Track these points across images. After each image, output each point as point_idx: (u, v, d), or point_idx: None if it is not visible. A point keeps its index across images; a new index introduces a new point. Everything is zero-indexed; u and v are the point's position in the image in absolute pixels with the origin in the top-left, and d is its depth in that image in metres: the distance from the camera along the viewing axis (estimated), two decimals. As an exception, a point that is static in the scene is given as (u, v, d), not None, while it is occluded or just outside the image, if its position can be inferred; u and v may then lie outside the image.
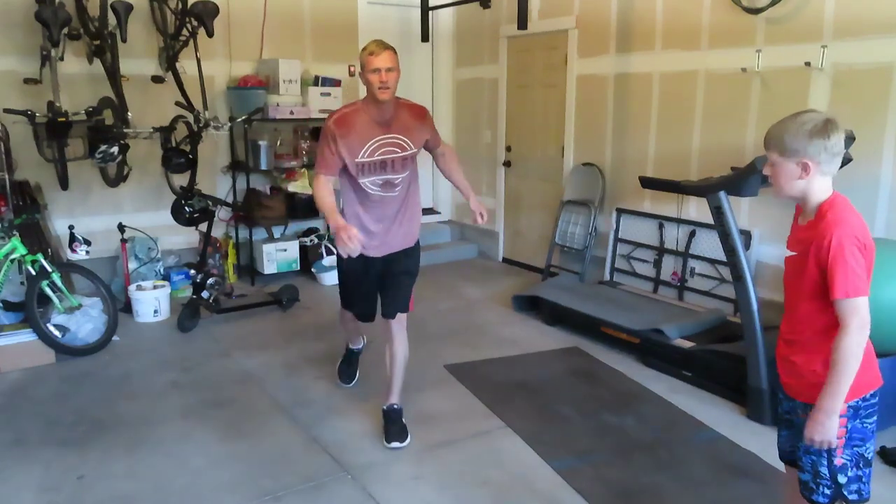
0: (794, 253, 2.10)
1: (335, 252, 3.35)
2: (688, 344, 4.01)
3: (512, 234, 6.57)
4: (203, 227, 5.08)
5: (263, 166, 5.68)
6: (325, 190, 3.06)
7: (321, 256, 5.90)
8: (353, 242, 2.79)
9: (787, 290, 2.12)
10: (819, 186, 1.97)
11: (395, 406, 3.29)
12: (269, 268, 5.74)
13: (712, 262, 4.68)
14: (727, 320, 4.33)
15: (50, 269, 4.17)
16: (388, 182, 3.14)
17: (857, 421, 1.96)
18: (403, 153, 3.13)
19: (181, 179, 5.18)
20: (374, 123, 3.04)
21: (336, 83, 5.99)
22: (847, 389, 1.87)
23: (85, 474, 2.96)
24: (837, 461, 1.97)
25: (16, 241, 4.14)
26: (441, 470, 3.02)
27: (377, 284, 3.32)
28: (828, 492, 2.00)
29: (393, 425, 3.24)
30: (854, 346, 1.89)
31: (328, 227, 3.40)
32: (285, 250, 5.80)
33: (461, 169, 3.50)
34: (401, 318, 3.28)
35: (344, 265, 3.25)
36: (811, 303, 1.99)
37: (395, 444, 3.18)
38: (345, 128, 3.01)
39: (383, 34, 6.49)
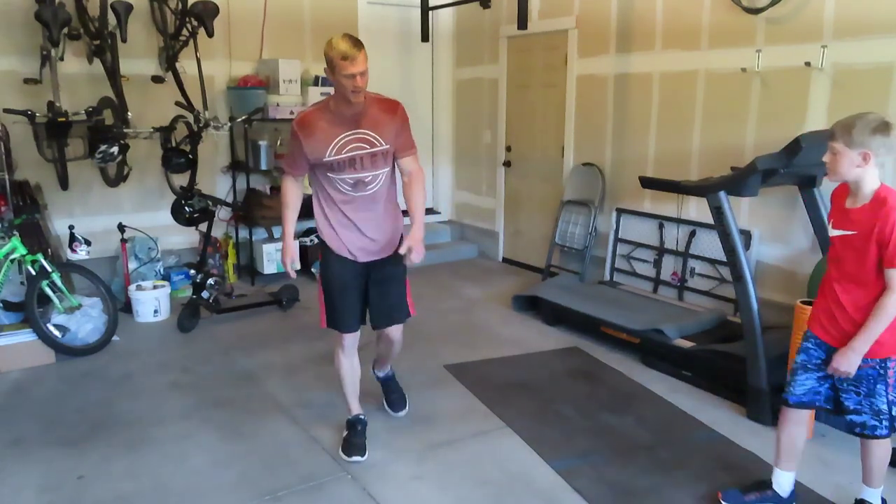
0: (845, 231, 2.47)
1: (319, 262, 3.22)
2: (688, 344, 4.01)
3: (512, 234, 6.57)
4: (203, 227, 5.08)
5: (263, 166, 5.68)
6: (289, 192, 3.08)
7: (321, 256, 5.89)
8: (289, 270, 3.07)
9: (842, 261, 2.49)
10: (871, 175, 2.39)
11: (392, 373, 3.53)
12: (269, 268, 5.74)
13: (712, 262, 4.68)
14: (727, 320, 4.33)
15: (50, 269, 4.17)
16: (359, 181, 2.96)
17: None
18: (373, 149, 2.94)
19: (181, 179, 5.18)
20: (341, 120, 2.91)
21: (336, 83, 5.98)
22: (876, 337, 2.38)
23: (85, 474, 2.96)
24: (892, 396, 2.47)
25: (16, 241, 4.14)
26: (441, 470, 3.02)
27: (361, 294, 3.12)
28: (886, 423, 2.48)
29: (393, 393, 3.50)
30: (892, 305, 2.34)
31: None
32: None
33: (420, 197, 3.12)
34: (398, 328, 3.19)
35: (328, 273, 3.10)
36: (870, 272, 2.40)
37: (401, 413, 3.44)
38: (308, 128, 2.92)
39: (383, 34, 6.58)
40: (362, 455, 3.08)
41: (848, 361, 2.42)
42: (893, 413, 2.49)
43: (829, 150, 2.43)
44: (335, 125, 2.91)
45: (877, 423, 2.49)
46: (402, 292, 3.18)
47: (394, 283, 3.14)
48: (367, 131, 2.93)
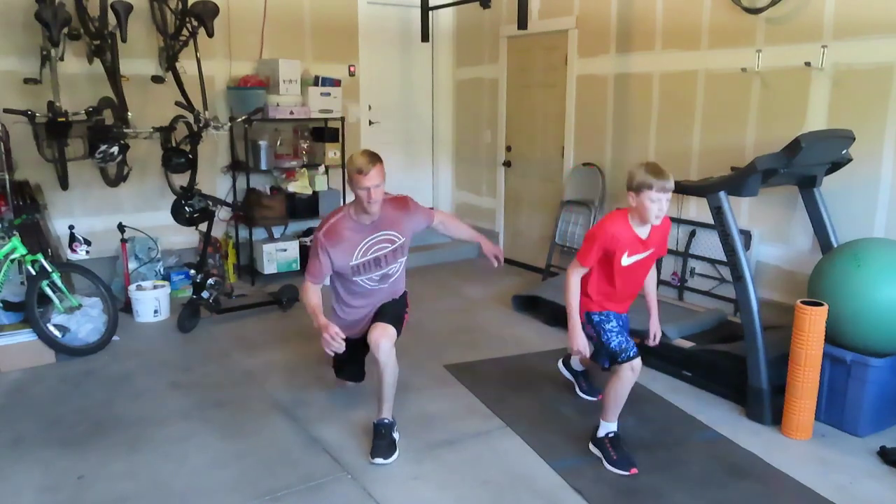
0: None
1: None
2: (688, 344, 4.00)
3: (512, 234, 6.57)
4: (203, 227, 5.08)
5: (263, 166, 5.68)
6: (311, 293, 3.27)
7: None
8: (337, 342, 3.00)
9: None
10: None
11: (386, 420, 3.15)
12: (269, 268, 5.74)
13: (712, 262, 4.68)
14: (727, 320, 4.33)
15: (50, 269, 4.17)
16: (384, 275, 3.35)
17: None
18: (394, 245, 3.31)
19: (181, 179, 5.18)
20: (362, 226, 3.24)
21: (336, 83, 5.99)
22: None
23: (85, 474, 2.96)
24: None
25: (16, 241, 4.14)
26: (441, 470, 3.02)
27: (363, 347, 3.35)
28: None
29: (381, 440, 3.10)
30: None
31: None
32: (285, 250, 5.80)
33: (462, 224, 3.76)
34: (389, 334, 3.15)
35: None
36: None
37: (379, 461, 3.03)
38: (335, 237, 3.22)
39: (383, 34, 6.59)
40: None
41: None
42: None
43: None
44: (358, 232, 3.24)
45: None
46: (401, 316, 3.43)
47: (393, 310, 3.42)
48: (387, 231, 3.29)
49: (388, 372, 3.12)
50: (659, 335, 3.31)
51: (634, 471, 2.96)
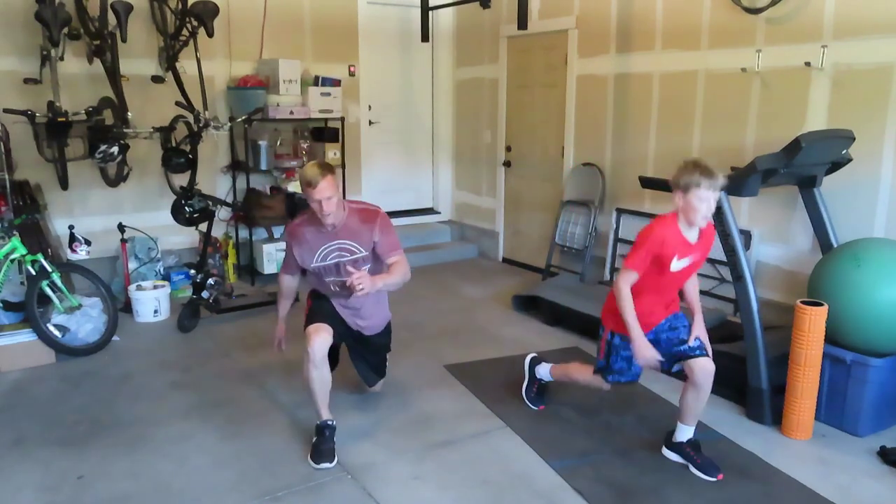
0: None
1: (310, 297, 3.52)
2: (688, 344, 4.00)
3: (512, 234, 6.57)
4: (203, 227, 5.08)
5: (263, 166, 5.68)
6: (284, 287, 3.53)
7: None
8: (277, 349, 3.54)
9: None
10: None
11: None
12: (269, 268, 5.74)
13: (712, 262, 4.68)
14: (727, 320, 4.33)
15: (50, 269, 4.17)
16: (344, 283, 3.20)
17: None
18: (353, 256, 3.26)
19: (181, 179, 5.18)
20: (322, 233, 3.24)
21: (336, 83, 5.99)
22: None
23: (85, 474, 2.96)
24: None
25: (16, 241, 4.14)
26: (441, 470, 3.02)
27: (343, 329, 3.37)
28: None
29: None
30: None
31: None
32: (285, 250, 5.79)
33: (400, 275, 3.28)
34: (378, 383, 3.64)
35: (316, 301, 3.43)
36: None
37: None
38: (296, 238, 3.31)
39: (383, 34, 6.59)
40: (331, 461, 3.02)
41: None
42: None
43: None
44: (318, 237, 3.25)
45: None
46: (384, 359, 3.62)
47: (380, 350, 3.58)
48: (346, 241, 3.25)
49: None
50: (704, 338, 3.00)
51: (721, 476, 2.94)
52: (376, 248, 3.27)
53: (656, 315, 3.03)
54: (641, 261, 2.84)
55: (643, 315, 2.93)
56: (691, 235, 2.87)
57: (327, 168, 3.10)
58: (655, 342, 3.01)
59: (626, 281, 2.88)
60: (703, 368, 2.89)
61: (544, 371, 3.53)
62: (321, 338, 3.10)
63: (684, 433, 3.04)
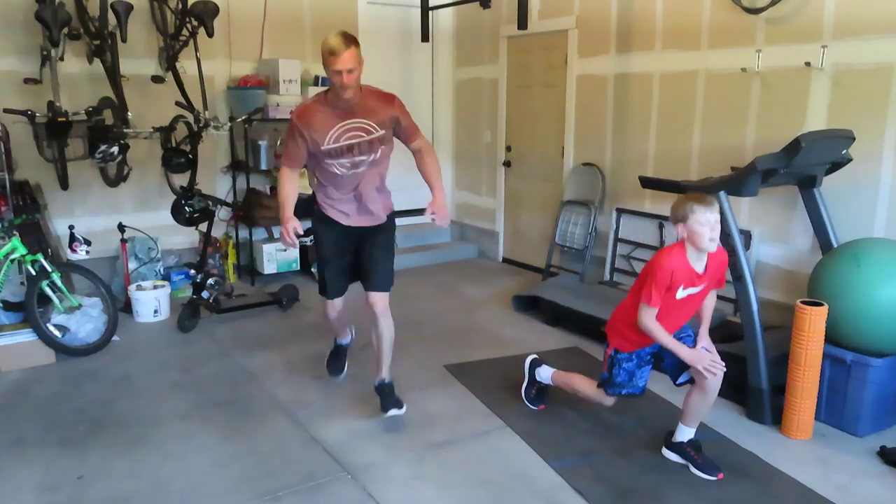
0: None
1: (315, 232, 3.45)
2: (688, 344, 4.00)
3: (512, 234, 6.57)
4: (203, 227, 5.08)
5: (263, 166, 5.68)
6: (286, 181, 3.23)
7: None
8: (291, 236, 3.10)
9: None
10: None
11: (386, 381, 3.41)
12: (269, 268, 5.74)
13: (712, 262, 4.68)
14: (727, 320, 4.32)
15: (50, 269, 4.17)
16: (356, 163, 3.21)
17: None
18: (369, 136, 3.18)
19: (181, 179, 5.18)
20: (336, 111, 3.12)
21: (336, 83, 5.98)
22: None
23: (85, 474, 2.96)
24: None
25: (16, 241, 4.14)
26: (441, 470, 3.02)
27: (352, 261, 3.39)
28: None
29: (387, 398, 3.36)
30: None
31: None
32: (285, 250, 5.80)
33: (436, 166, 3.37)
34: (383, 297, 3.33)
35: (322, 239, 3.37)
36: None
37: (394, 412, 3.30)
38: (308, 118, 3.14)
39: (383, 34, 6.58)
40: (339, 374, 3.80)
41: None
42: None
43: None
44: (332, 116, 3.12)
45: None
46: (391, 260, 3.40)
47: (383, 250, 3.37)
48: (362, 120, 3.15)
49: (386, 333, 3.34)
50: (711, 348, 3.00)
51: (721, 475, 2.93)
52: (400, 131, 3.27)
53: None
54: (657, 295, 2.83)
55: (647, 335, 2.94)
56: (699, 265, 2.85)
57: (351, 39, 2.97)
58: (660, 355, 3.03)
59: (649, 317, 2.86)
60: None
61: (545, 374, 3.52)
62: (336, 309, 3.48)
63: (685, 434, 3.05)
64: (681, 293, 2.86)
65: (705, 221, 2.75)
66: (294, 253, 5.83)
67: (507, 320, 4.98)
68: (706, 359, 2.87)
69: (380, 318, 3.31)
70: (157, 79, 5.25)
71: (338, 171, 3.21)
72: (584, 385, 3.28)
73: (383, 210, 3.40)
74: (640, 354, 3.04)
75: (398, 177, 6.93)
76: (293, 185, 3.25)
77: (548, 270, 5.80)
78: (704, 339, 3.01)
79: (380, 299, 3.31)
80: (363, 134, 3.17)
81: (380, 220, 3.38)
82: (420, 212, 3.46)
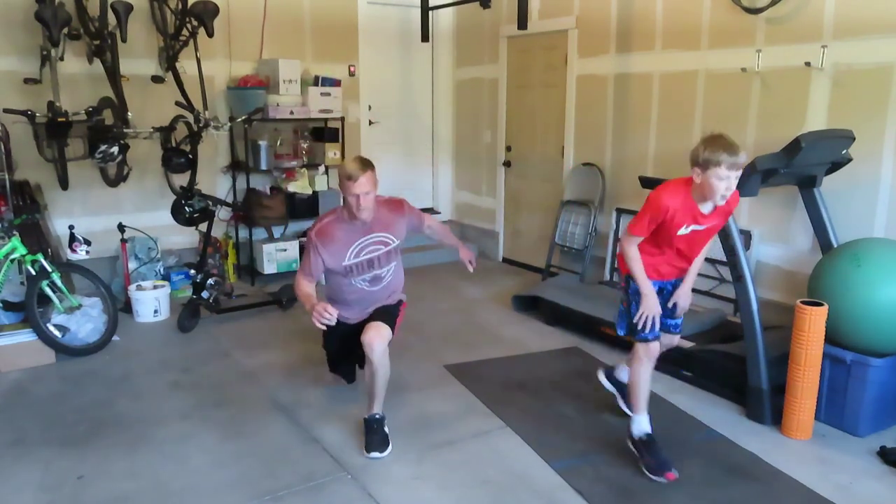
0: None
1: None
2: (688, 344, 4.00)
3: (512, 234, 6.57)
4: (203, 227, 5.08)
5: (263, 166, 5.68)
6: (304, 283, 3.29)
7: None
8: (328, 313, 2.93)
9: None
10: None
11: (378, 415, 3.19)
12: (269, 268, 5.74)
13: (712, 262, 4.68)
14: (727, 320, 4.33)
15: (50, 269, 4.17)
16: (375, 277, 3.35)
17: None
18: (388, 248, 3.34)
19: (181, 179, 5.18)
20: (354, 228, 3.26)
21: (336, 83, 5.99)
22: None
23: (85, 474, 2.96)
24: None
25: (16, 241, 4.14)
26: (441, 470, 3.02)
27: (356, 343, 3.25)
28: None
29: (373, 435, 3.14)
30: None
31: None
32: (285, 250, 5.81)
33: (449, 231, 3.83)
34: (383, 335, 3.16)
35: (328, 332, 3.34)
36: None
37: (375, 455, 3.07)
38: (326, 237, 3.25)
39: (383, 34, 6.59)
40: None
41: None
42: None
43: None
44: (351, 233, 3.26)
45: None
46: (395, 315, 3.41)
47: (386, 311, 3.40)
48: (380, 234, 3.31)
49: (381, 374, 3.17)
50: (682, 306, 3.05)
51: (671, 476, 2.83)
52: (412, 226, 3.46)
53: (666, 273, 3.05)
54: (644, 226, 2.80)
55: (654, 265, 2.94)
56: (705, 207, 2.76)
57: (367, 163, 3.16)
58: (660, 291, 3.03)
59: (630, 244, 2.88)
60: (648, 352, 2.95)
61: (622, 373, 3.40)
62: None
63: (637, 427, 3.02)
64: (683, 230, 2.81)
65: (725, 177, 2.60)
66: (294, 253, 5.83)
67: (507, 320, 4.98)
68: (655, 310, 2.90)
69: (374, 360, 3.13)
70: (157, 79, 5.25)
71: (359, 286, 3.34)
72: (632, 360, 3.04)
73: (399, 288, 3.54)
74: (656, 284, 3.02)
75: (398, 176, 6.98)
76: (312, 288, 3.29)
77: (548, 270, 5.80)
78: (682, 297, 3.06)
79: (378, 338, 3.14)
80: (382, 246, 3.32)
81: (393, 298, 3.51)
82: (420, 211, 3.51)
